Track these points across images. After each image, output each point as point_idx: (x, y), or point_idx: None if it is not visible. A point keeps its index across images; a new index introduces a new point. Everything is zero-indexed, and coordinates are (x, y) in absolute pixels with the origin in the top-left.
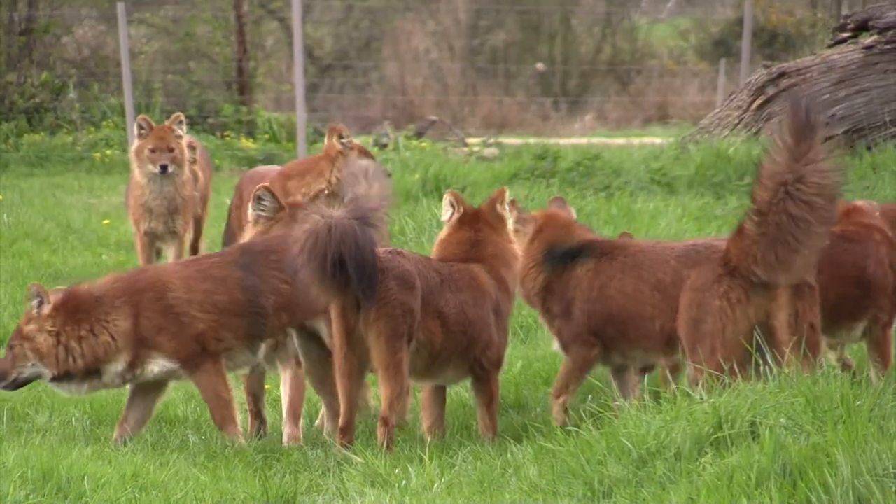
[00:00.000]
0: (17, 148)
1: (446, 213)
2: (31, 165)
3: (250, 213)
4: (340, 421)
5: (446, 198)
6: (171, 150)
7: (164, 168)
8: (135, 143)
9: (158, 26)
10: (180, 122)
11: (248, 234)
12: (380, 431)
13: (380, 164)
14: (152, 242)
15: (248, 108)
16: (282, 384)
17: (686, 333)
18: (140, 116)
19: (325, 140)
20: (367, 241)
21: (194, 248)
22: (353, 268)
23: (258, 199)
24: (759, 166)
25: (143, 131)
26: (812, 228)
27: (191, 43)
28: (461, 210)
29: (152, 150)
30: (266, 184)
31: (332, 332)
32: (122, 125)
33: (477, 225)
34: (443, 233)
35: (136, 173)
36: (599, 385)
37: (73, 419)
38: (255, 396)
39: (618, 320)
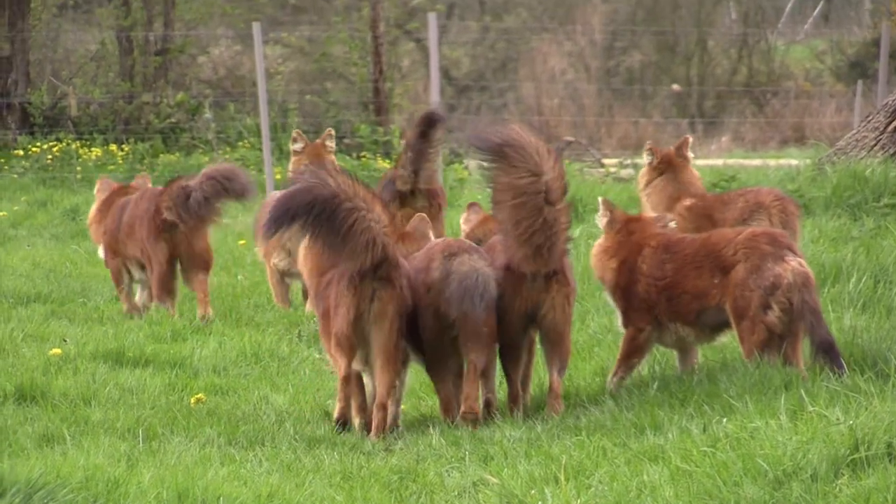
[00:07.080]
0: (153, 168)
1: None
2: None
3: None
4: (512, 391)
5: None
6: None
7: None
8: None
9: (294, 46)
10: (331, 136)
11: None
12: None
13: None
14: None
15: (384, 129)
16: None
17: None
18: (295, 131)
19: None
20: None
21: None
22: None
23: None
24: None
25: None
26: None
27: (327, 63)
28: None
29: None
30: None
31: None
32: (258, 145)
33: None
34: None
35: None
36: (736, 405)
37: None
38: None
39: None
